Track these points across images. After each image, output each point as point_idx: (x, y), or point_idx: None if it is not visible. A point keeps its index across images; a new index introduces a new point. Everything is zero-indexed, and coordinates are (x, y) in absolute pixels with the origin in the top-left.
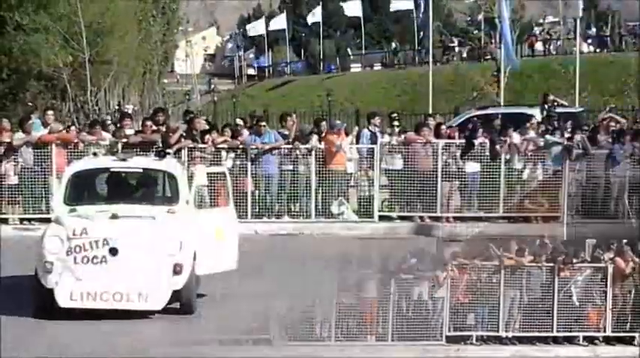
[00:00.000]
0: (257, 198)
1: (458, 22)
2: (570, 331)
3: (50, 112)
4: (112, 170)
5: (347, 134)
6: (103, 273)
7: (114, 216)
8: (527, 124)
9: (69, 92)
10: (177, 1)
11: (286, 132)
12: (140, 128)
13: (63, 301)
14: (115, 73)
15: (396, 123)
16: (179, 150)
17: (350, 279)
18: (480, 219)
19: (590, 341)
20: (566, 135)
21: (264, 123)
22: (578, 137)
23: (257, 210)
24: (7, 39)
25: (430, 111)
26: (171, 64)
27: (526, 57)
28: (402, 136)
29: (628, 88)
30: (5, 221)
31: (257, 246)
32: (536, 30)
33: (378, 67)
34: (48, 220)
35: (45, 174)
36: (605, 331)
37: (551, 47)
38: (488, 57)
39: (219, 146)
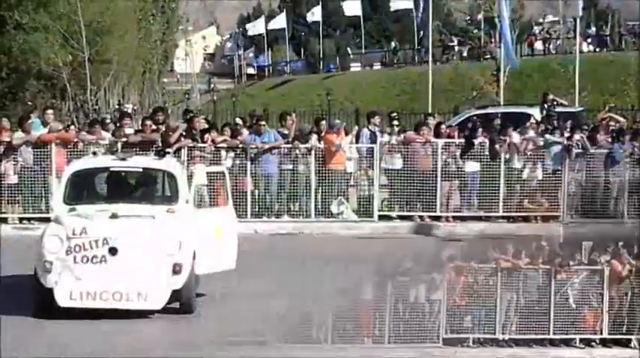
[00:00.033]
0: (257, 197)
1: (457, 22)
2: (567, 333)
3: (50, 111)
4: (111, 169)
5: (346, 133)
6: (103, 273)
7: (113, 216)
8: (527, 124)
9: (68, 91)
10: (177, 0)
11: (286, 132)
12: (140, 127)
13: (62, 300)
14: (115, 72)
15: (395, 122)
16: (179, 150)
17: (347, 281)
18: (480, 219)
19: (587, 343)
20: (566, 134)
21: (263, 123)
22: (577, 136)
23: (257, 209)
24: (6, 38)
25: (430, 111)
26: (170, 63)
27: (526, 56)
28: (402, 136)
29: (628, 87)
30: (5, 220)
31: (256, 246)
32: (536, 29)
33: (377, 66)
34: (47, 219)
35: (44, 174)
36: (601, 333)
37: (551, 46)
38: (488, 56)
39: (218, 145)
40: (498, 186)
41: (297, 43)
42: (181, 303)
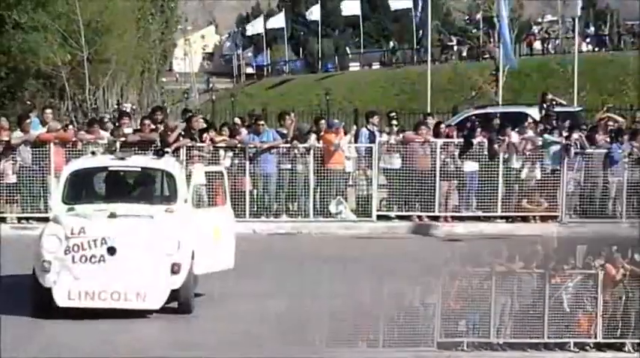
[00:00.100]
0: (255, 197)
1: (456, 21)
2: (561, 337)
3: (49, 111)
4: (110, 169)
5: (345, 133)
6: (101, 272)
7: (112, 215)
8: (526, 123)
9: (67, 91)
10: None
11: (284, 131)
12: (138, 127)
13: (61, 300)
14: (114, 72)
15: (394, 122)
16: (177, 149)
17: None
18: (479, 219)
19: (581, 347)
20: (564, 134)
21: (262, 122)
22: (575, 135)
23: (255, 209)
24: (5, 37)
25: (429, 111)
26: (169, 63)
27: (524, 56)
28: (401, 135)
29: (626, 87)
30: (3, 220)
31: (255, 246)
32: (535, 29)
33: (376, 65)
34: (46, 219)
35: (43, 173)
36: (595, 337)
37: (550, 46)
38: (487, 56)
39: (217, 145)
40: (497, 186)
41: (296, 43)
42: (180, 303)
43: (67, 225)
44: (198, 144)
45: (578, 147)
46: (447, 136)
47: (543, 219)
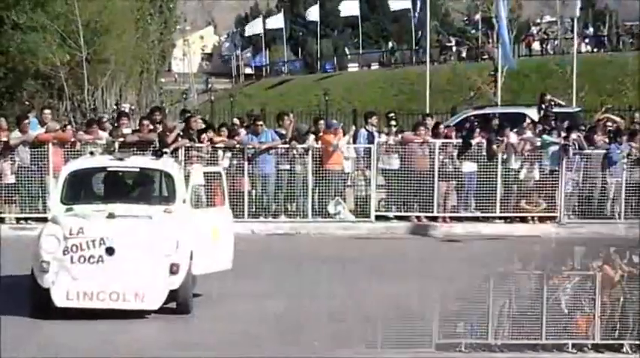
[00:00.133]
0: (254, 197)
1: (455, 22)
2: (559, 338)
3: (47, 111)
4: (108, 169)
5: (344, 133)
6: (100, 273)
7: (111, 216)
8: (524, 124)
9: (66, 91)
10: (175, 0)
11: (283, 132)
12: (137, 127)
13: (59, 301)
14: (113, 72)
15: (393, 122)
16: (176, 150)
17: (343, 282)
18: (477, 219)
19: (579, 348)
20: (563, 134)
21: (261, 123)
22: (574, 136)
23: (254, 209)
24: (4, 38)
25: (427, 111)
26: (168, 63)
27: (523, 56)
28: (399, 136)
29: (625, 87)
30: (2, 220)
31: (253, 246)
32: (534, 29)
33: (375, 66)
34: (45, 219)
35: (42, 173)
36: (593, 339)
37: (549, 47)
38: (486, 56)
39: (216, 145)
40: (495, 187)
41: (295, 43)
42: (178, 303)
43: (65, 225)
44: (197, 145)
45: (577, 147)
46: (446, 137)
47: (542, 219)
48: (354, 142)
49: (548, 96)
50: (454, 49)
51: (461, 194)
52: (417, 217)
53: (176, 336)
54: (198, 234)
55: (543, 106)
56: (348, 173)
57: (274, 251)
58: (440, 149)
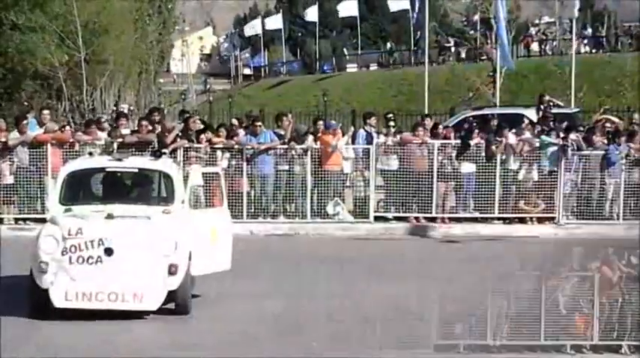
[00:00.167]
0: (252, 198)
1: (454, 23)
2: (557, 339)
3: (46, 112)
4: (107, 170)
5: (343, 134)
6: (98, 273)
7: (109, 216)
8: (523, 125)
9: (65, 91)
10: (174, 0)
11: (282, 132)
12: (136, 128)
13: (58, 301)
14: (111, 73)
15: (391, 123)
16: (175, 150)
17: (342, 282)
18: (476, 220)
19: (578, 349)
20: (561, 135)
21: (259, 123)
22: (573, 137)
23: (252, 210)
24: (2, 38)
25: (426, 112)
26: (167, 64)
27: (522, 57)
28: (398, 136)
29: (624, 88)
30: (0, 221)
31: (252, 247)
32: (532, 30)
33: (374, 67)
34: (43, 220)
35: (40, 174)
36: (592, 339)
37: (547, 47)
38: (484, 57)
39: (214, 146)
40: (494, 188)
41: (294, 44)
42: (177, 304)
43: (64, 226)
44: (196, 145)
45: (576, 148)
46: (445, 137)
47: (540, 220)
48: (353, 143)
49: (547, 97)
50: (453, 49)
51: (459, 195)
52: (416, 218)
53: (175, 337)
54: (196, 235)
55: (542, 107)
56: (347, 173)
57: (273, 251)
58: (439, 150)
